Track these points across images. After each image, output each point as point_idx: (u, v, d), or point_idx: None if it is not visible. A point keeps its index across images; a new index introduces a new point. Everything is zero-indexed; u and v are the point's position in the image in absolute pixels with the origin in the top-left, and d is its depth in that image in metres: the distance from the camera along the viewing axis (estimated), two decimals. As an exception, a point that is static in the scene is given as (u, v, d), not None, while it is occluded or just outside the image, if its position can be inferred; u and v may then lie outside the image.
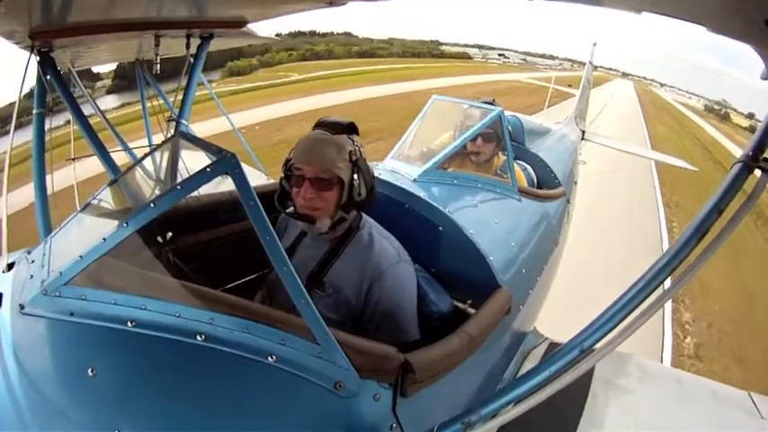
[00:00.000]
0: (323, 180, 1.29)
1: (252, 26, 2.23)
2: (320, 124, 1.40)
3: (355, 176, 1.32)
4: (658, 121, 28.63)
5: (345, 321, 1.33)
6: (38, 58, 1.88)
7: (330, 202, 1.31)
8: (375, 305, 1.31)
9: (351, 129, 1.40)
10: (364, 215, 1.47)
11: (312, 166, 1.29)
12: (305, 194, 1.30)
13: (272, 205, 1.38)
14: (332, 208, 1.32)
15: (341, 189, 1.32)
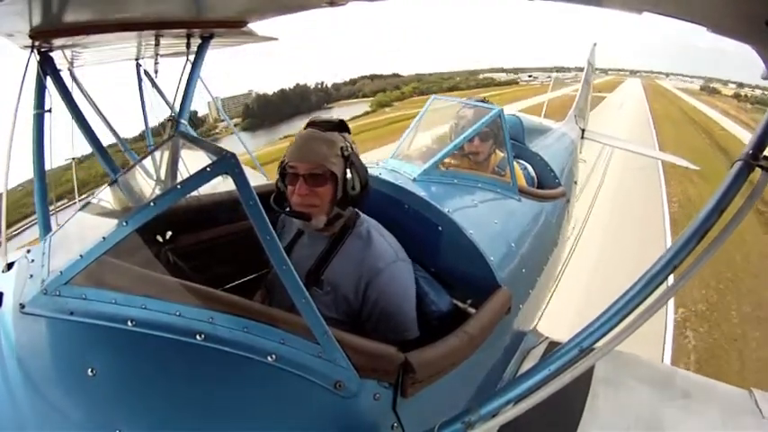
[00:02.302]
0: (316, 176, 1.31)
1: (252, 26, 2.23)
2: (311, 124, 1.42)
3: (348, 171, 1.34)
4: (657, 104, 43.01)
5: (345, 320, 1.33)
6: (38, 58, 1.88)
7: (325, 197, 1.33)
8: (374, 303, 1.31)
9: (341, 126, 1.42)
10: (362, 214, 1.47)
11: (305, 162, 1.31)
12: (299, 191, 1.31)
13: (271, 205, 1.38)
14: (327, 204, 1.33)
15: (335, 184, 1.33)
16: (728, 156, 18.02)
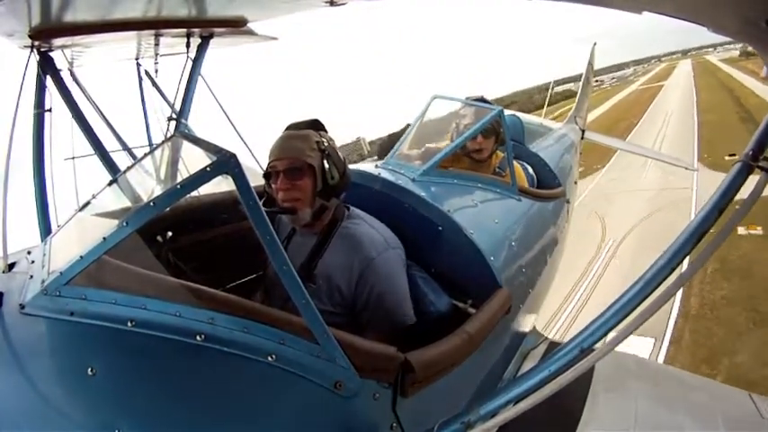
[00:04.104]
0: (294, 169, 1.36)
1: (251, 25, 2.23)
2: (288, 128, 1.48)
3: (325, 162, 1.38)
4: (701, 79, 57.78)
5: (339, 311, 1.36)
6: (38, 58, 1.88)
7: (306, 190, 1.37)
8: (369, 292, 1.34)
9: (315, 125, 1.47)
10: (352, 207, 1.50)
11: (282, 159, 1.37)
12: (281, 186, 1.36)
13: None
14: (309, 196, 1.37)
15: (313, 176, 1.37)
16: (739, 102, 28.35)
